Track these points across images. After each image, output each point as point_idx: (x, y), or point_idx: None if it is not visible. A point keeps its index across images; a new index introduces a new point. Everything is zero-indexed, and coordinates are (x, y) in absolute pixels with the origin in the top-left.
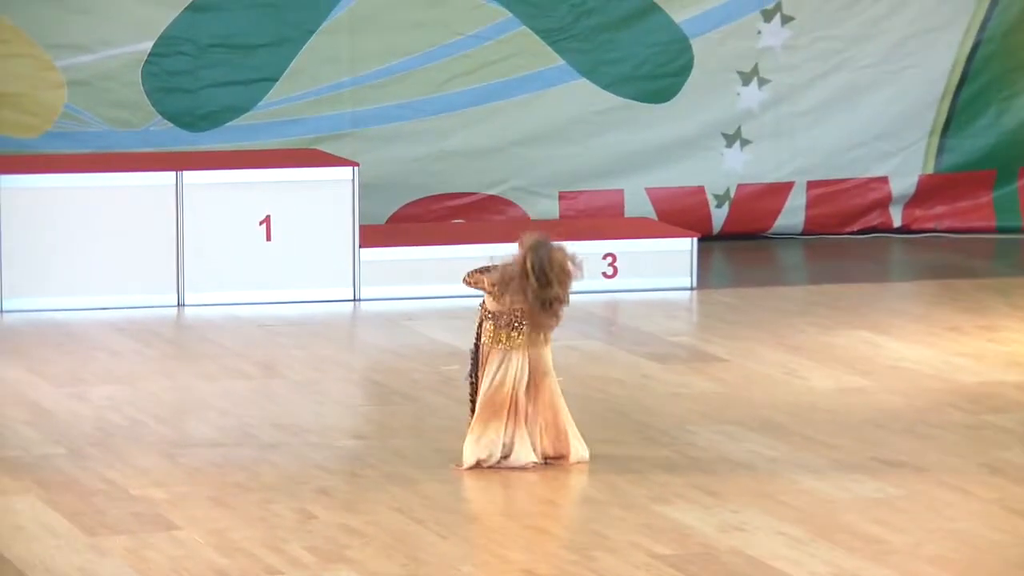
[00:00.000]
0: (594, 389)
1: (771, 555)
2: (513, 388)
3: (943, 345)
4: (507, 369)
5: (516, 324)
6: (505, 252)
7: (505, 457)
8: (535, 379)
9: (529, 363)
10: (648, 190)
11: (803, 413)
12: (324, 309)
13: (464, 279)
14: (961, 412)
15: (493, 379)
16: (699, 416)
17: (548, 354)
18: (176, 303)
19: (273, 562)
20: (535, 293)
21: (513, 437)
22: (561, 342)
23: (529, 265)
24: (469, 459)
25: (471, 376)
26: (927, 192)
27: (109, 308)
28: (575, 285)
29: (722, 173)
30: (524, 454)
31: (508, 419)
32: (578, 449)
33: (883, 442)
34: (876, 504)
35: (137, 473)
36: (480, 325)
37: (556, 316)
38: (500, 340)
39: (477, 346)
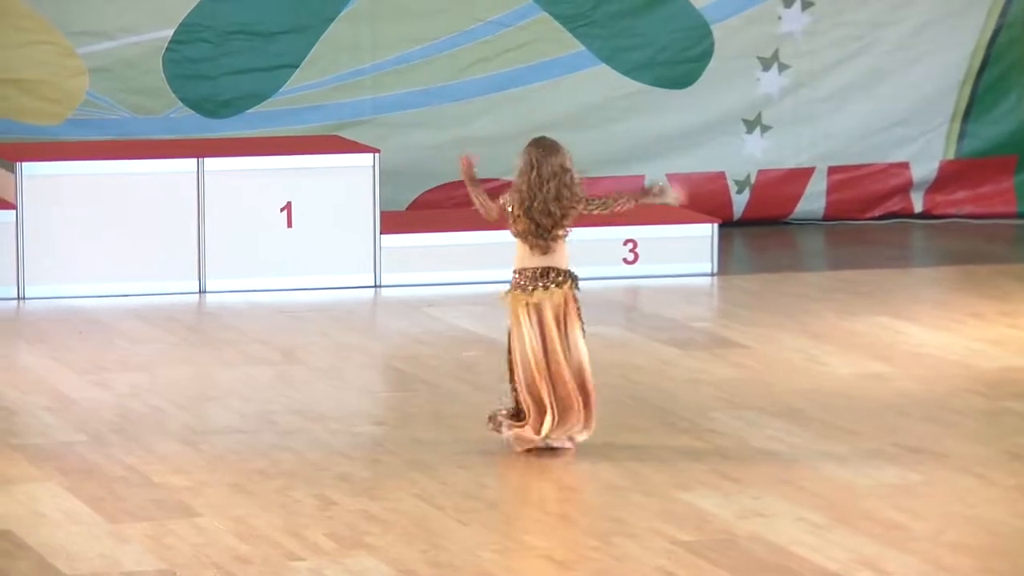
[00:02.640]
0: (615, 376)
1: (791, 541)
2: (526, 349)
3: (964, 331)
4: (515, 331)
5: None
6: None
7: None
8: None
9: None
10: (669, 176)
11: (823, 399)
12: (345, 295)
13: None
14: (982, 398)
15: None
16: (720, 402)
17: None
18: (197, 290)
19: (294, 548)
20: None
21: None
22: None
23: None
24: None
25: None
26: (948, 177)
27: (130, 295)
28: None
29: (742, 159)
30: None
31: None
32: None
33: (903, 428)
34: (896, 490)
35: (158, 460)
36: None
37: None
38: (509, 302)
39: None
